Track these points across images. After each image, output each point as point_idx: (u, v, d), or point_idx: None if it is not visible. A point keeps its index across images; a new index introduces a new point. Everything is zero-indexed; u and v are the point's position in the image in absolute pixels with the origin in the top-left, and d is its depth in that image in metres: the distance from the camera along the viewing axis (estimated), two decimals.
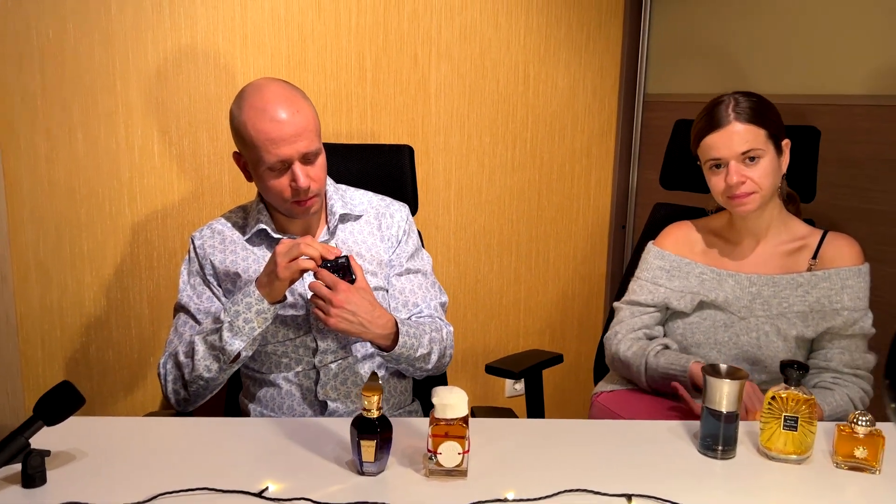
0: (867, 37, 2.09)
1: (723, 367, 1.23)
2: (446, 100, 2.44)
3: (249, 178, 1.57)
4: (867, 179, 2.11)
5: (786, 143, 1.61)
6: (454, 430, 1.10)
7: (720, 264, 1.70)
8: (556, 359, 1.98)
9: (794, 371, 1.19)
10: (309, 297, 1.55)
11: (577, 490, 1.09)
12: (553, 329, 2.82)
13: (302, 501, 1.04)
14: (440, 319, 1.64)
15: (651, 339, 1.70)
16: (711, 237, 1.74)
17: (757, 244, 1.68)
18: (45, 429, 1.09)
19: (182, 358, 1.49)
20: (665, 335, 1.72)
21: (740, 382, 1.19)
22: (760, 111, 1.58)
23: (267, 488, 1.07)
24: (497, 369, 1.86)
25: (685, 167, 1.94)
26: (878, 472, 1.17)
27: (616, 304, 1.78)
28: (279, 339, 1.57)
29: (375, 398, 1.11)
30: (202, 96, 2.05)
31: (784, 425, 1.18)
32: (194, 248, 1.62)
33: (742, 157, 1.56)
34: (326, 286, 1.39)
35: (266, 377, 1.60)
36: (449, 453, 1.10)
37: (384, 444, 1.12)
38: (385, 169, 1.92)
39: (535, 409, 1.91)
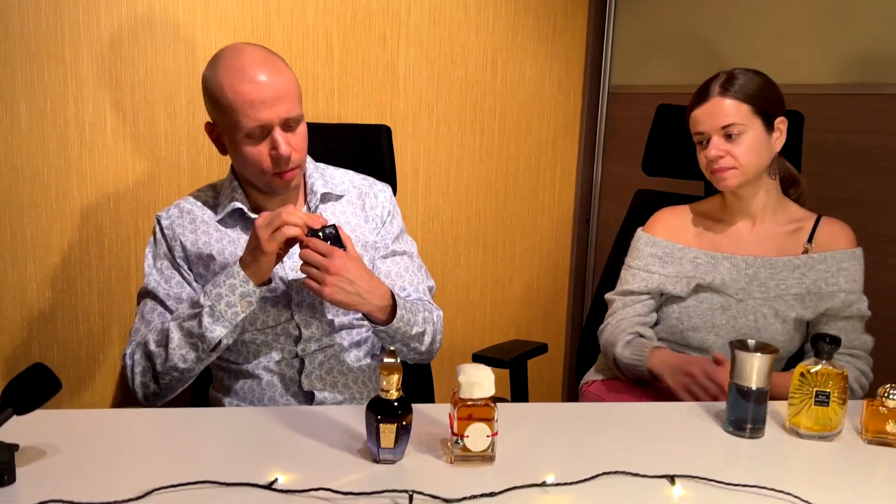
0: (838, 25, 2.12)
1: (751, 342, 1.17)
2: (415, 84, 2.34)
3: (223, 150, 1.44)
4: (839, 168, 2.13)
5: (780, 121, 1.58)
6: (481, 411, 1.01)
7: (714, 247, 1.66)
8: (541, 348, 1.91)
9: (825, 345, 1.14)
10: (290, 279, 1.44)
11: (618, 472, 1.01)
12: (519, 325, 2.75)
13: (321, 492, 0.92)
14: (430, 303, 1.54)
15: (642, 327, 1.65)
16: (704, 220, 1.71)
17: (752, 226, 1.65)
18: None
19: (153, 347, 1.34)
20: (659, 321, 1.67)
21: (771, 357, 1.14)
22: (749, 87, 1.55)
23: (276, 480, 0.95)
24: (486, 358, 1.78)
25: (667, 153, 1.91)
26: None
27: (608, 295, 1.72)
28: (258, 327, 1.44)
29: (395, 377, 1.00)
30: (160, 70, 1.89)
31: (815, 401, 1.14)
32: (161, 228, 1.47)
33: (722, 131, 1.53)
34: (319, 254, 1.28)
35: (243, 368, 1.47)
36: (477, 436, 1.00)
37: (405, 429, 1.01)
38: (362, 149, 1.81)
39: (520, 399, 1.83)
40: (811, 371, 1.15)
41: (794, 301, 1.57)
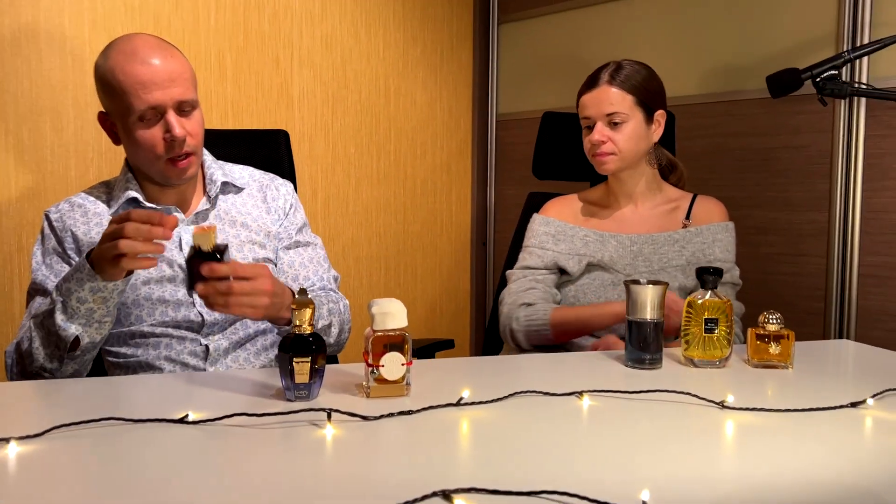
0: (699, 42, 2.34)
1: (643, 279, 1.25)
2: (310, 106, 2.39)
3: (117, 140, 1.41)
4: (705, 170, 2.32)
5: (660, 113, 1.71)
6: (395, 340, 1.02)
7: (602, 228, 1.76)
8: (447, 343, 1.93)
9: (709, 276, 1.23)
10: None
11: (529, 392, 1.04)
12: None
13: (235, 418, 0.90)
14: (335, 293, 1.54)
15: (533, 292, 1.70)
16: (591, 206, 1.81)
17: (634, 207, 1.77)
18: None
19: (24, 346, 1.26)
20: (561, 300, 1.74)
21: (662, 287, 1.22)
22: (634, 79, 1.68)
23: (187, 415, 0.92)
24: None
25: (555, 157, 2.03)
26: (790, 368, 1.23)
27: (508, 272, 1.78)
28: (157, 318, 1.39)
29: (308, 312, 1.00)
30: (45, 82, 1.85)
31: (705, 328, 1.22)
32: (49, 223, 1.42)
33: (607, 118, 1.65)
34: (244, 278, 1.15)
35: (142, 360, 1.40)
36: (392, 365, 1.01)
37: (318, 372, 1.01)
38: (260, 155, 1.82)
39: None
40: (698, 301, 1.23)
41: (676, 272, 1.68)
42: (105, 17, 1.94)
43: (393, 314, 1.02)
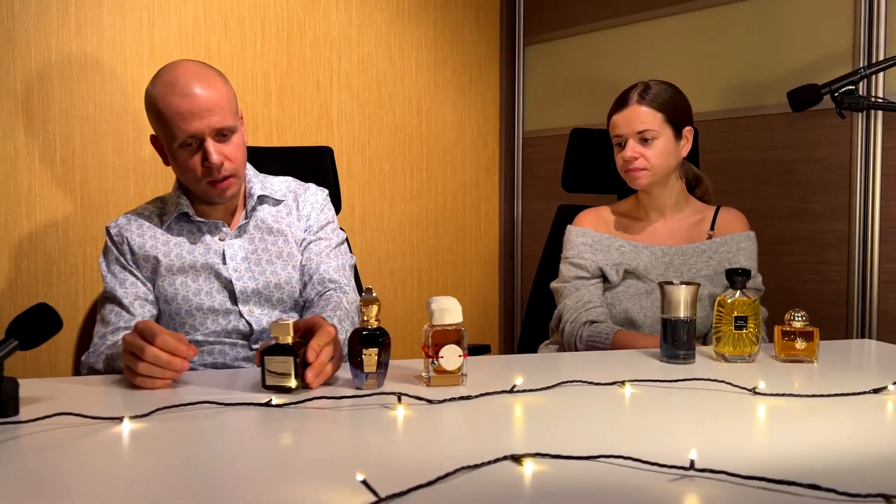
0: (718, 60, 2.44)
1: (676, 280, 1.34)
2: (348, 126, 2.51)
3: (167, 161, 1.51)
4: (728, 183, 2.41)
5: (688, 129, 1.81)
6: (452, 334, 1.12)
7: (635, 239, 1.85)
8: (484, 348, 2.02)
9: (738, 276, 1.33)
10: (233, 278, 1.50)
11: (575, 381, 1.14)
12: None
13: (314, 401, 1.00)
14: (337, 290, 1.53)
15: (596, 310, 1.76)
16: (622, 218, 1.91)
17: (664, 220, 1.86)
18: None
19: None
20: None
21: (694, 288, 1.31)
22: (662, 97, 1.78)
23: (271, 400, 1.02)
24: None
25: (583, 171, 2.13)
26: (815, 362, 1.31)
27: (553, 284, 1.85)
28: (209, 328, 1.49)
29: (374, 308, 1.10)
30: (108, 106, 1.99)
31: (735, 325, 1.31)
32: (110, 237, 1.53)
33: (638, 136, 1.74)
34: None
35: (197, 367, 1.51)
36: (450, 356, 1.11)
37: (383, 364, 1.11)
38: (306, 171, 1.93)
39: None
40: (728, 301, 1.33)
41: (705, 281, 1.77)
42: (162, 45, 2.07)
43: (450, 310, 1.12)
